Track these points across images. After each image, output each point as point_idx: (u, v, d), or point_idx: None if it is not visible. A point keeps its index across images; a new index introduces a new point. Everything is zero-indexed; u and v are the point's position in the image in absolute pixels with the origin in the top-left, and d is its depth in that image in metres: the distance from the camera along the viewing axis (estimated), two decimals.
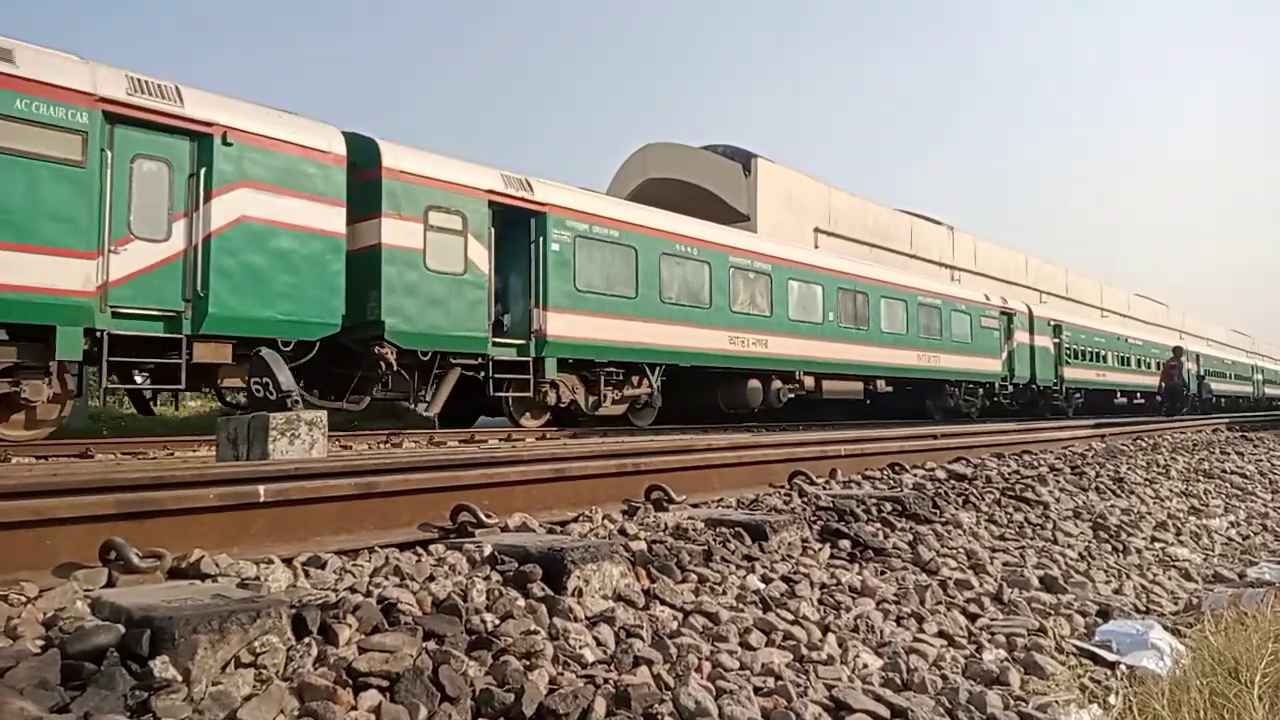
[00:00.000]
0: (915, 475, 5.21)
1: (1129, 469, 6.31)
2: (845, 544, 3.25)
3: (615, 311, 14.39)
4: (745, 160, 27.28)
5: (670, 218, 16.26)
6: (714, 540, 2.98)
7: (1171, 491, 5.73)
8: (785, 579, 2.77)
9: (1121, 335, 35.59)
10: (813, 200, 29.07)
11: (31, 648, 1.69)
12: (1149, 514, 4.87)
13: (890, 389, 21.27)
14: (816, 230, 28.83)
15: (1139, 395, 35.86)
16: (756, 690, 2.00)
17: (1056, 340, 28.67)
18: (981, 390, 24.80)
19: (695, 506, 3.75)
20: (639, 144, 30.23)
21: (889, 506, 3.86)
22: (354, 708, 1.64)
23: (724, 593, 2.57)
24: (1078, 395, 30.44)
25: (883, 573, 3.05)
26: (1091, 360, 31.44)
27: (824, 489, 4.43)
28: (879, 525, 3.60)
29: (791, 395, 18.37)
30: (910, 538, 3.50)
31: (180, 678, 1.62)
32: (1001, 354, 25.58)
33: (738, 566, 2.81)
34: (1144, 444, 9.01)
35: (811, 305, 18.76)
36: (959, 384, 23.74)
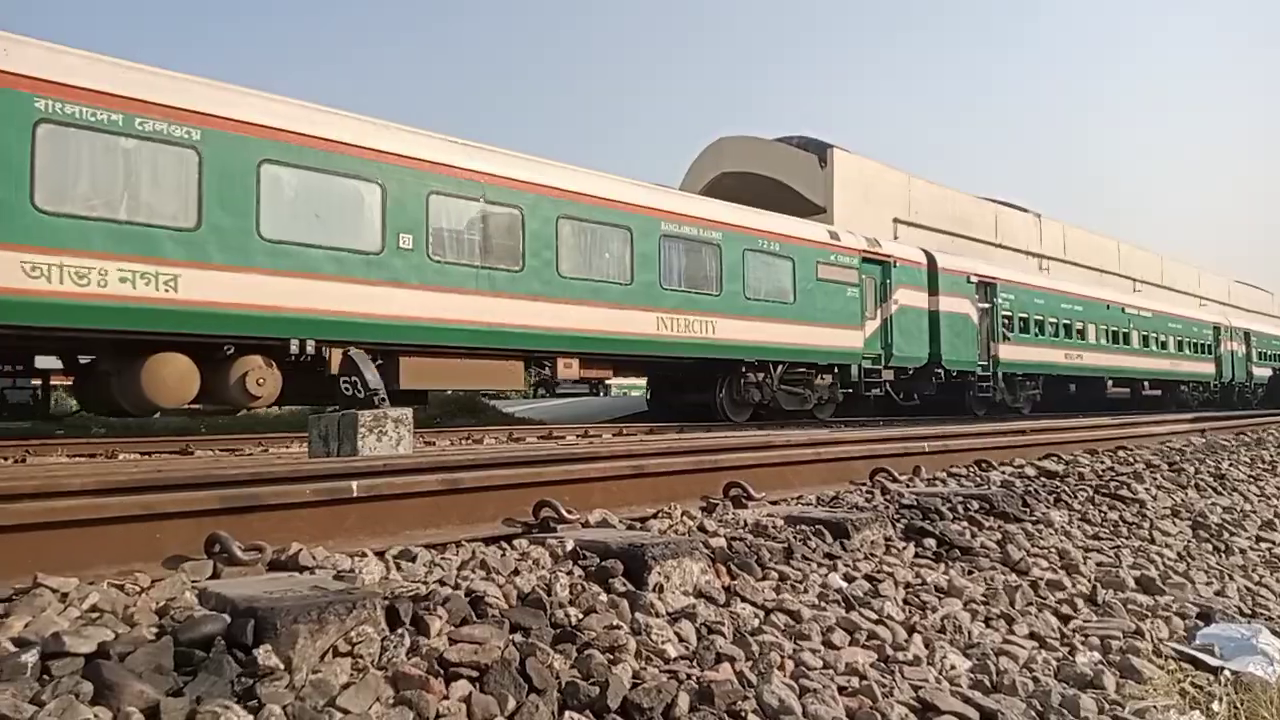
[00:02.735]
0: (1003, 472, 5.07)
1: (1231, 465, 6.01)
2: (930, 543, 3.19)
3: None
4: (821, 151, 26.92)
5: None
6: (794, 538, 2.96)
7: (1279, 489, 5.43)
8: (868, 578, 2.74)
9: (1114, 303, 26.14)
10: (891, 190, 28.48)
11: (147, 634, 1.79)
12: (1254, 512, 4.63)
13: (606, 373, 13.96)
14: (895, 221, 28.26)
15: (1147, 385, 27.19)
16: (841, 690, 1.99)
17: (986, 305, 20.60)
18: (829, 377, 16.73)
19: (774, 504, 3.74)
20: (713, 137, 30.14)
21: (976, 504, 3.77)
22: (445, 697, 1.69)
23: (805, 591, 2.56)
24: (1029, 385, 22.40)
25: (970, 572, 2.98)
26: (1055, 336, 23.05)
27: (907, 486, 4.35)
28: (965, 524, 3.52)
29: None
30: (999, 537, 3.41)
31: (282, 666, 1.69)
32: (867, 323, 17.26)
33: (819, 565, 2.79)
34: (1247, 439, 8.56)
35: (349, 223, 10.26)
36: (770, 366, 15.53)
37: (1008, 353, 21.11)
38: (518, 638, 1.96)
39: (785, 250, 15.69)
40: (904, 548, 3.10)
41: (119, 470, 3.56)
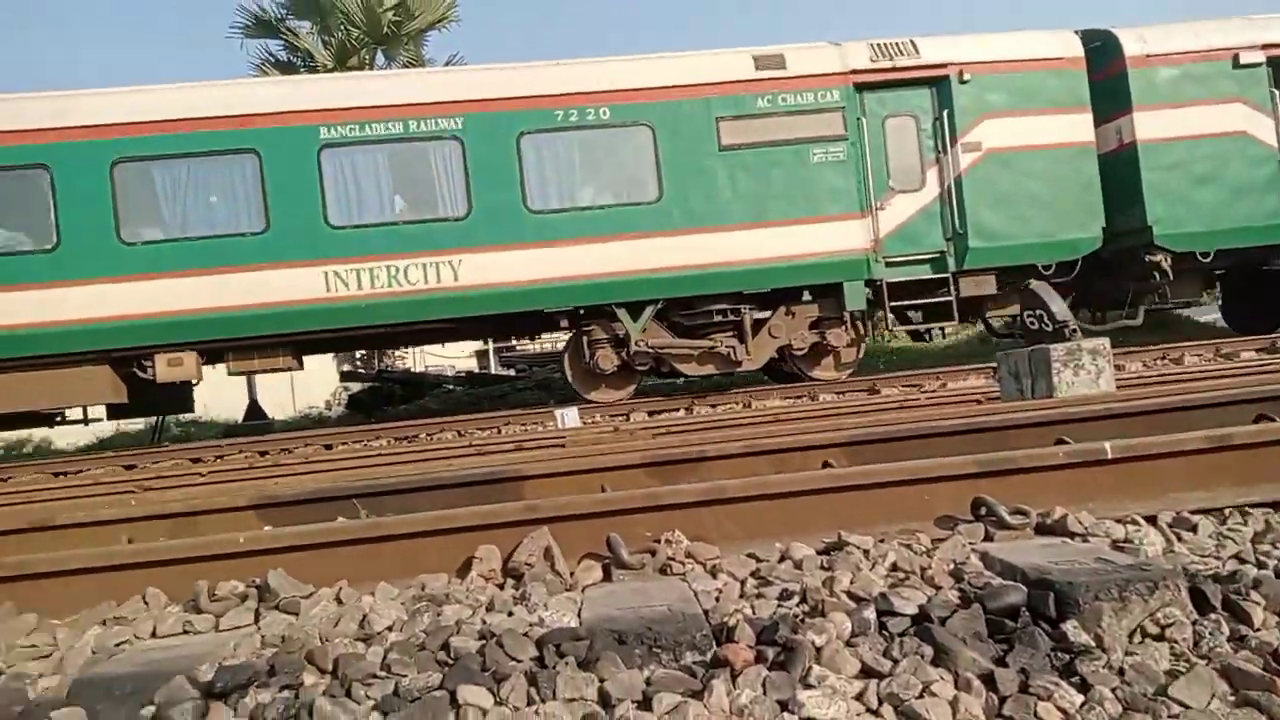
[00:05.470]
0: None
1: None
2: None
3: None
4: None
5: None
6: None
7: None
8: None
9: None
10: None
11: (951, 597, 1.95)
12: None
13: (273, 361, 9.39)
14: None
15: None
16: None
17: None
18: (811, 311, 10.20)
19: None
20: None
21: None
22: None
23: None
24: None
25: None
26: None
27: None
28: None
29: None
30: None
31: (1093, 644, 1.69)
32: (893, 200, 10.00)
33: None
34: None
35: None
36: (627, 312, 9.73)
37: None
38: None
39: (627, 115, 9.72)
40: None
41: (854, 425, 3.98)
